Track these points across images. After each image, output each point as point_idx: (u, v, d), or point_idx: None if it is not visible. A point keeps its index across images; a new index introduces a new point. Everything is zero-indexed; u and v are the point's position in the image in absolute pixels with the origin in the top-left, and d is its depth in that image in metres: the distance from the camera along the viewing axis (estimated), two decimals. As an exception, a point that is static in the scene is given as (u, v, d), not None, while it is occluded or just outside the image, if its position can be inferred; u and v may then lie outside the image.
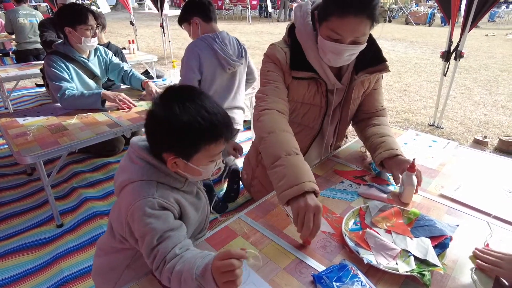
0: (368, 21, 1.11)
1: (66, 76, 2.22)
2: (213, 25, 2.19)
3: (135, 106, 2.33)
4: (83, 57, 2.34)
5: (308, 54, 1.29)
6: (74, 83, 2.28)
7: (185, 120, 0.81)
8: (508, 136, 3.30)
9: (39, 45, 4.55)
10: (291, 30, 1.34)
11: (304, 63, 1.29)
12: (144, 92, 2.56)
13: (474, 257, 0.93)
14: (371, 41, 1.30)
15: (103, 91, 2.28)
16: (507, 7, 15.70)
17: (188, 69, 2.10)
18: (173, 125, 0.82)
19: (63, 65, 2.21)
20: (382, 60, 1.34)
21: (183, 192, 0.95)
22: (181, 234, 0.86)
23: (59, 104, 2.27)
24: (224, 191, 2.35)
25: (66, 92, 2.16)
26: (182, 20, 2.24)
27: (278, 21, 15.21)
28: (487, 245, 0.98)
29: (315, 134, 1.46)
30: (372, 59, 1.32)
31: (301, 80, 1.32)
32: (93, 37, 2.25)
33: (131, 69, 2.63)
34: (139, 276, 0.92)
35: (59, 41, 2.35)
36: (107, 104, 2.30)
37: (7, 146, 2.65)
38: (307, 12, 1.28)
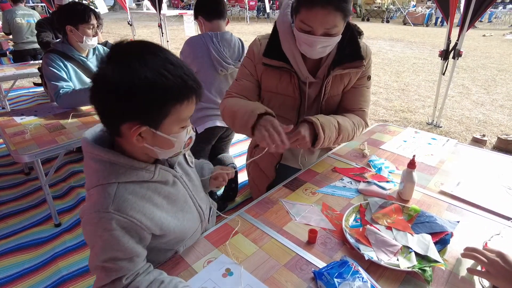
0: (337, 12, 1.11)
1: (64, 75, 2.20)
2: (216, 24, 2.15)
3: None
4: (82, 56, 2.32)
5: (283, 44, 1.30)
6: (73, 82, 2.26)
7: (149, 76, 0.67)
8: (506, 135, 3.31)
9: (36, 45, 4.52)
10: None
11: (278, 52, 1.31)
12: None
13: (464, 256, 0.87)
14: (353, 37, 1.30)
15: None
16: (504, 7, 15.75)
17: None
18: (134, 84, 0.67)
19: (61, 64, 2.20)
20: (359, 57, 1.31)
21: (156, 184, 0.83)
22: (130, 266, 0.77)
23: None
24: (222, 190, 2.35)
25: (61, 91, 2.15)
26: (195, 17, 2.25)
27: None
28: (486, 244, 0.97)
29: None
30: (350, 55, 1.31)
31: (273, 68, 1.34)
32: (94, 36, 2.25)
33: None
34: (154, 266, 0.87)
35: (58, 40, 2.34)
36: None
37: (4, 145, 2.63)
38: (288, 3, 1.30)
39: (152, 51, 0.71)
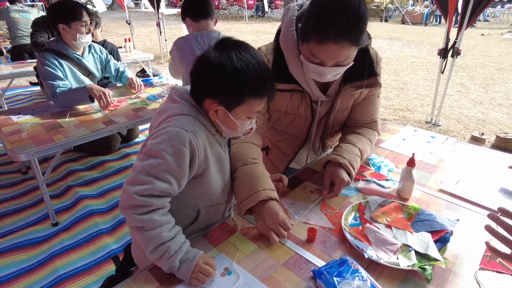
0: (352, 46, 1.00)
1: (60, 74, 2.18)
2: (203, 23, 2.13)
3: (110, 106, 2.20)
4: (77, 54, 2.30)
5: (290, 66, 1.18)
6: (69, 80, 2.24)
7: (239, 67, 0.83)
8: (505, 133, 3.31)
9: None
10: (278, 35, 1.22)
11: (286, 74, 1.19)
12: (134, 90, 2.55)
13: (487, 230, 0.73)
14: (365, 51, 1.19)
15: (89, 85, 2.18)
16: (502, 7, 15.77)
17: (173, 65, 2.22)
18: (227, 69, 0.83)
19: (56, 62, 2.18)
20: (373, 74, 1.22)
21: (215, 141, 0.97)
22: (175, 188, 0.87)
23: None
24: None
25: (57, 90, 2.13)
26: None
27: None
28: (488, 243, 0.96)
29: (300, 143, 1.40)
30: (363, 72, 1.20)
31: (283, 91, 1.23)
32: (87, 33, 2.22)
33: (124, 68, 2.64)
34: None
35: (52, 39, 2.32)
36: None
37: (1, 144, 2.61)
38: (292, 20, 1.14)
39: (248, 50, 0.88)
